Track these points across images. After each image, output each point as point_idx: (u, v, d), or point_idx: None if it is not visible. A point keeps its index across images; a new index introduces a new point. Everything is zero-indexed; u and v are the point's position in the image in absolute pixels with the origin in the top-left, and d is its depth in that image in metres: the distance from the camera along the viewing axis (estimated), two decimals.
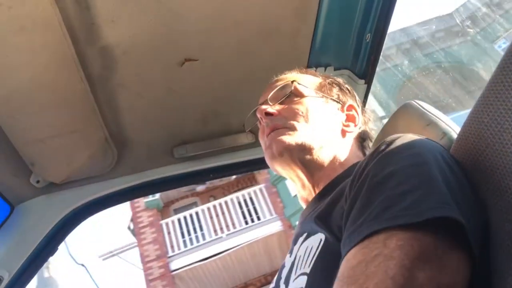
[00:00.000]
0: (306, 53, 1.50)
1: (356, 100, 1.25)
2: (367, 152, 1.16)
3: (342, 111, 1.19)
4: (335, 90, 1.21)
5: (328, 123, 1.14)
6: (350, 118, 1.18)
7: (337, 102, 1.19)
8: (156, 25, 1.32)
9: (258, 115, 1.17)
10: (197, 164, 1.75)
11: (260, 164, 1.80)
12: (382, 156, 0.76)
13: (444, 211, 0.62)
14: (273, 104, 1.16)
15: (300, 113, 1.11)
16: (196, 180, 1.82)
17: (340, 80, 1.27)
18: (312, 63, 1.55)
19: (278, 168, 1.14)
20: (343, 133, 1.15)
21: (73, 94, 1.39)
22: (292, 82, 1.17)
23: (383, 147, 0.78)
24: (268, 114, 1.14)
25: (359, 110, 1.21)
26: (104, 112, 1.50)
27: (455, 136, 1.00)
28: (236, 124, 1.69)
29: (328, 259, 0.67)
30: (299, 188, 1.16)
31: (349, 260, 0.65)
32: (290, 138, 1.08)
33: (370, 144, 1.23)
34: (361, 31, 1.46)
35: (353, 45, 1.50)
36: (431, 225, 0.62)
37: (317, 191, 1.08)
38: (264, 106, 1.16)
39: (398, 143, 0.77)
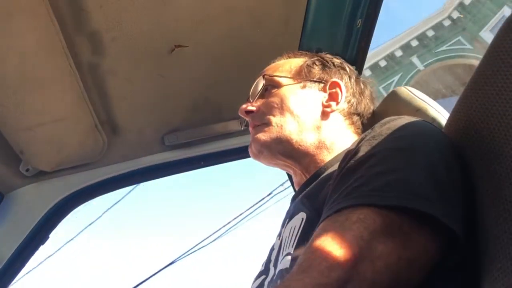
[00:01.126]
0: (297, 39, 1.49)
1: (345, 74, 1.22)
2: (359, 129, 1.17)
3: (325, 90, 1.17)
4: (317, 69, 1.19)
5: (304, 108, 1.13)
6: (332, 96, 1.16)
7: (318, 82, 1.17)
8: (145, 10, 1.30)
9: (240, 115, 1.20)
10: (188, 151, 1.75)
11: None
12: (370, 138, 0.76)
13: (410, 203, 0.63)
14: (253, 100, 1.18)
15: (275, 105, 1.13)
16: (187, 167, 1.81)
17: (326, 56, 1.25)
18: (303, 49, 1.54)
19: (264, 163, 1.17)
20: (324, 114, 1.14)
21: (61, 81, 1.37)
22: (264, 76, 1.18)
23: (375, 129, 0.78)
24: (248, 112, 1.17)
25: (343, 84, 1.17)
26: (94, 99, 1.48)
27: (444, 122, 1.00)
28: (227, 111, 1.68)
29: (309, 237, 0.68)
30: (292, 174, 1.17)
31: (316, 231, 0.67)
32: (265, 135, 1.10)
33: (366, 116, 1.21)
34: (352, 16, 1.45)
35: (344, 31, 1.49)
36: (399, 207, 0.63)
37: (308, 176, 1.09)
38: (244, 105, 1.18)
39: (389, 125, 0.78)
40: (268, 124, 1.11)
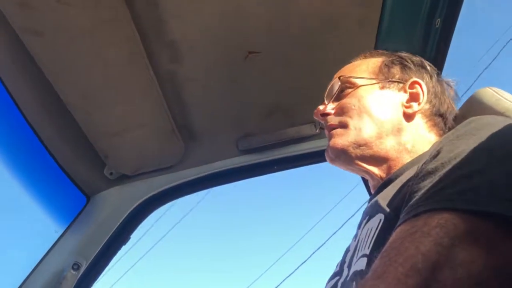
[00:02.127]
0: (373, 40, 1.46)
1: (425, 72, 1.15)
2: (442, 132, 1.10)
3: (405, 90, 1.11)
4: (396, 69, 1.14)
5: (384, 110, 1.07)
6: (413, 97, 1.10)
7: (397, 82, 1.12)
8: (220, 18, 1.34)
9: (316, 118, 1.16)
10: (262, 156, 1.76)
11: (324, 156, 1.78)
12: (454, 138, 0.73)
13: (495, 207, 0.58)
14: (329, 102, 1.14)
15: (352, 107, 1.08)
16: (260, 171, 1.83)
17: (404, 54, 1.19)
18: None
19: (341, 168, 1.12)
20: (405, 115, 1.07)
21: (142, 89, 1.44)
22: (340, 77, 1.14)
23: (459, 129, 0.74)
24: (324, 114, 1.13)
25: (424, 84, 1.11)
26: (172, 105, 1.54)
27: None
28: (300, 115, 1.68)
29: (387, 238, 0.66)
30: (369, 179, 1.12)
31: (392, 236, 0.64)
32: (342, 139, 1.05)
33: (450, 118, 1.13)
34: (430, 15, 1.40)
35: (421, 30, 1.43)
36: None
37: (385, 179, 1.04)
38: (320, 107, 1.14)
39: (475, 125, 0.73)
40: (345, 126, 1.07)
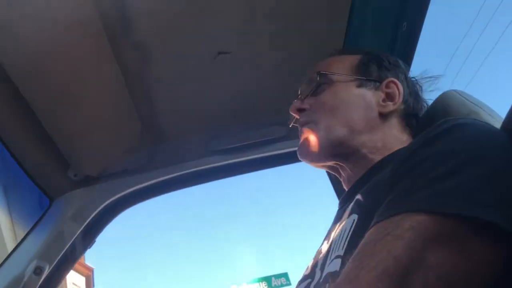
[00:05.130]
0: (340, 43, 1.46)
1: (401, 72, 1.15)
2: (412, 132, 1.10)
3: (382, 89, 1.10)
4: (374, 67, 1.13)
5: (359, 108, 1.07)
6: (389, 96, 1.09)
7: (374, 81, 1.11)
8: (188, 18, 1.32)
9: (291, 113, 1.14)
10: (232, 157, 1.74)
11: (294, 157, 1.78)
12: (426, 139, 0.72)
13: (468, 210, 0.58)
14: (305, 98, 1.13)
15: (328, 103, 1.07)
16: (230, 173, 1.81)
17: (382, 54, 1.19)
18: None
19: (312, 165, 1.11)
20: (380, 114, 1.07)
21: (109, 89, 1.41)
22: (317, 73, 1.12)
23: (431, 130, 0.73)
24: (300, 110, 1.12)
25: (400, 84, 1.11)
26: (140, 105, 1.51)
27: (498, 126, 0.95)
28: (271, 116, 1.68)
29: (360, 239, 0.65)
30: (342, 176, 1.12)
31: (364, 238, 0.64)
32: (316, 136, 1.05)
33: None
34: (397, 19, 1.41)
35: (389, 33, 1.45)
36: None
37: (357, 178, 1.04)
38: (296, 103, 1.13)
39: (447, 126, 0.72)
40: (318, 123, 1.06)
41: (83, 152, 1.54)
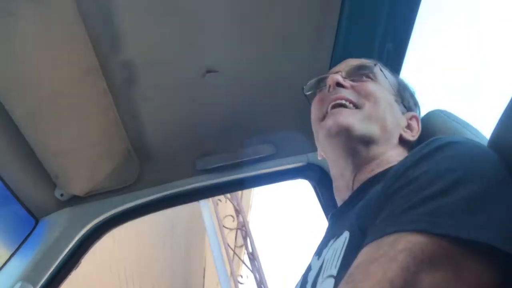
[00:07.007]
0: (327, 61, 1.47)
1: (419, 111, 1.19)
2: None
3: (406, 118, 1.12)
4: (407, 94, 1.16)
5: (393, 117, 1.06)
6: (410, 127, 1.11)
7: (405, 107, 1.13)
8: (178, 36, 1.32)
9: (329, 83, 1.08)
10: (220, 175, 1.74)
11: (283, 175, 1.78)
12: (419, 158, 0.72)
13: (463, 231, 0.58)
14: (346, 77, 1.10)
15: (375, 95, 1.05)
16: (218, 191, 1.81)
17: (412, 88, 1.21)
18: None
19: (326, 147, 1.07)
20: (401, 138, 1.07)
21: (96, 107, 1.40)
22: (376, 64, 1.13)
23: (422, 149, 0.74)
24: (339, 85, 1.07)
25: (419, 124, 1.13)
26: (127, 124, 1.50)
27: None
28: (258, 135, 1.68)
29: (353, 257, 0.64)
30: (337, 175, 1.09)
31: (357, 258, 0.63)
32: (352, 118, 1.01)
33: None
34: (382, 41, 1.44)
35: (375, 55, 1.47)
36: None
37: (354, 188, 1.02)
38: (337, 76, 1.08)
39: (438, 145, 0.73)
40: (360, 107, 1.03)
41: (69, 171, 1.52)
